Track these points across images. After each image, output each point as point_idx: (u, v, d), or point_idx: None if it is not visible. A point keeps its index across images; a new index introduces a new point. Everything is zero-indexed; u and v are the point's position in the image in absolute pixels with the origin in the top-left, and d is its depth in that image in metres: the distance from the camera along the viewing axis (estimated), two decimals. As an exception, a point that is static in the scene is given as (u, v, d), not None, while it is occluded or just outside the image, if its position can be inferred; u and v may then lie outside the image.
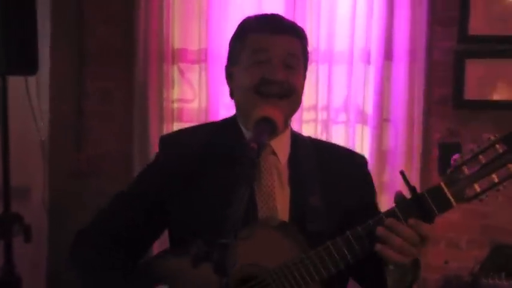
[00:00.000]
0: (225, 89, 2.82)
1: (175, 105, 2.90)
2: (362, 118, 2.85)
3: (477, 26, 2.79)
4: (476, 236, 2.87)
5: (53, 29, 2.78)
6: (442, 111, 2.90)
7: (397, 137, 2.84)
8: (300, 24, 1.56)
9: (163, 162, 1.47)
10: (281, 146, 1.41)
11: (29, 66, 2.48)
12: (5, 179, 2.39)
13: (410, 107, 2.80)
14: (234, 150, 1.39)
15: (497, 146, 1.20)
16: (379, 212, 1.28)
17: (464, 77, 2.83)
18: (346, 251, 1.24)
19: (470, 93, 2.85)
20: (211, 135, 1.49)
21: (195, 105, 2.89)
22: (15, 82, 2.51)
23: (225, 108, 2.81)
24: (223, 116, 2.71)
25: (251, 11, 2.76)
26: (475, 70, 2.83)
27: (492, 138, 1.21)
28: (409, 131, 2.81)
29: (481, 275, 2.63)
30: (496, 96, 2.88)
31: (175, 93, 2.90)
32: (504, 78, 2.84)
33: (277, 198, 1.36)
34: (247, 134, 1.42)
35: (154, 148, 2.76)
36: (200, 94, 2.87)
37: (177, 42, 2.87)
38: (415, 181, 2.77)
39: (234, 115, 1.49)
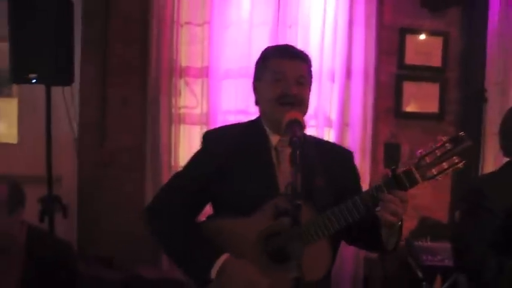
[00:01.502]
0: (221, 99, 3.31)
1: (182, 110, 3.21)
2: (328, 123, 3.23)
3: (410, 57, 3.39)
4: (409, 212, 3.19)
5: (83, 48, 3.16)
6: (386, 119, 3.38)
7: (354, 137, 3.22)
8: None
9: (209, 150, 1.67)
10: None
11: (67, 78, 2.83)
12: (47, 168, 2.74)
13: (364, 115, 3.22)
14: (259, 145, 1.64)
15: (447, 144, 1.47)
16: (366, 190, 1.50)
17: (402, 94, 3.40)
18: (355, 210, 1.48)
19: (406, 106, 3.41)
20: (242, 132, 1.69)
21: (197, 111, 3.21)
22: (54, 91, 2.86)
23: (222, 114, 3.21)
24: (220, 120, 3.25)
25: (244, 38, 3.17)
26: (409, 89, 3.40)
27: (444, 139, 1.48)
28: (363, 133, 3.21)
29: (412, 239, 3.09)
30: (423, 109, 3.43)
31: (182, 101, 3.21)
32: (429, 96, 3.41)
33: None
34: (270, 132, 1.66)
35: (164, 145, 3.15)
36: (202, 102, 3.18)
37: (184, 60, 3.20)
38: (367, 171, 3.22)
39: (258, 118, 1.71)
